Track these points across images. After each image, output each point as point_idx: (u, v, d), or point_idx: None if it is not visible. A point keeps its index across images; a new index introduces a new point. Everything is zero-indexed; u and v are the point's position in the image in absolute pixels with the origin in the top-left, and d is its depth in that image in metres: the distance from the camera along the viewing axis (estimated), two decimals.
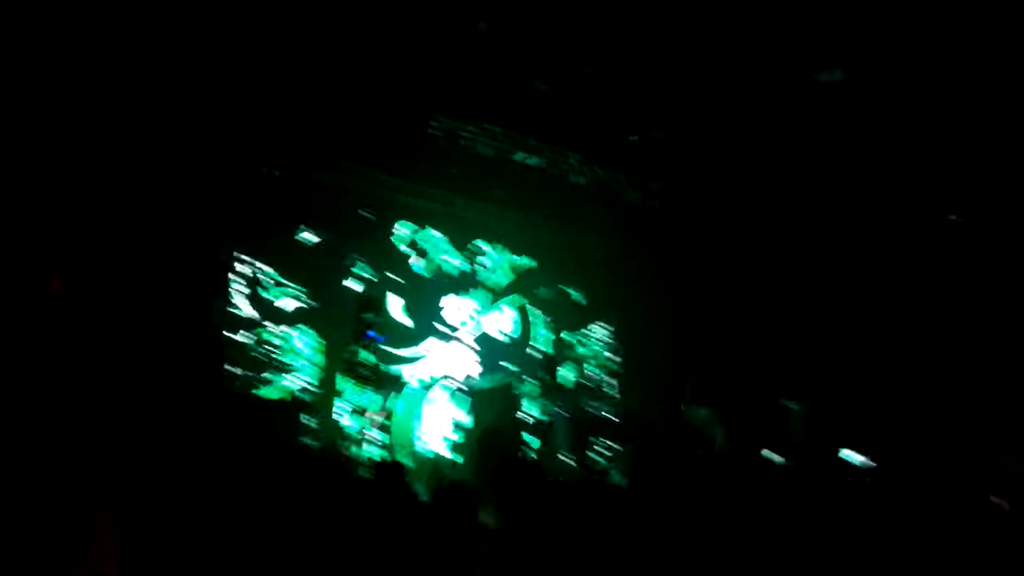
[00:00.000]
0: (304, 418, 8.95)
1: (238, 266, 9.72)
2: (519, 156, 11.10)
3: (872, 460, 7.90)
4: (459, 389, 11.22)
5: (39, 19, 7.24)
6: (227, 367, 9.22)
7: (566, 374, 10.74)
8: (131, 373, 7.20)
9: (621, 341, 13.36)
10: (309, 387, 10.00)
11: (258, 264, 9.90)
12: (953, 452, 7.39)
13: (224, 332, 9.41)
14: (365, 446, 8.88)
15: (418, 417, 11.07)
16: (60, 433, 5.76)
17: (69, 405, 6.41)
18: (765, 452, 8.35)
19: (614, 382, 13.02)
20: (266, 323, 9.85)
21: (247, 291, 9.76)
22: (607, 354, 13.35)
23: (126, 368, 7.25)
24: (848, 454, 8.41)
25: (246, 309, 9.71)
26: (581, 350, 13.16)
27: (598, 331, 13.38)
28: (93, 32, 7.50)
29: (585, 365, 12.77)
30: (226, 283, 9.55)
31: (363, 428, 8.89)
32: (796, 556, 4.15)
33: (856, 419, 9.47)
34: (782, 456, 8.17)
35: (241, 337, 9.61)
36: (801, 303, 11.43)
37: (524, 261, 12.92)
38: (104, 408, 6.42)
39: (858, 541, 4.36)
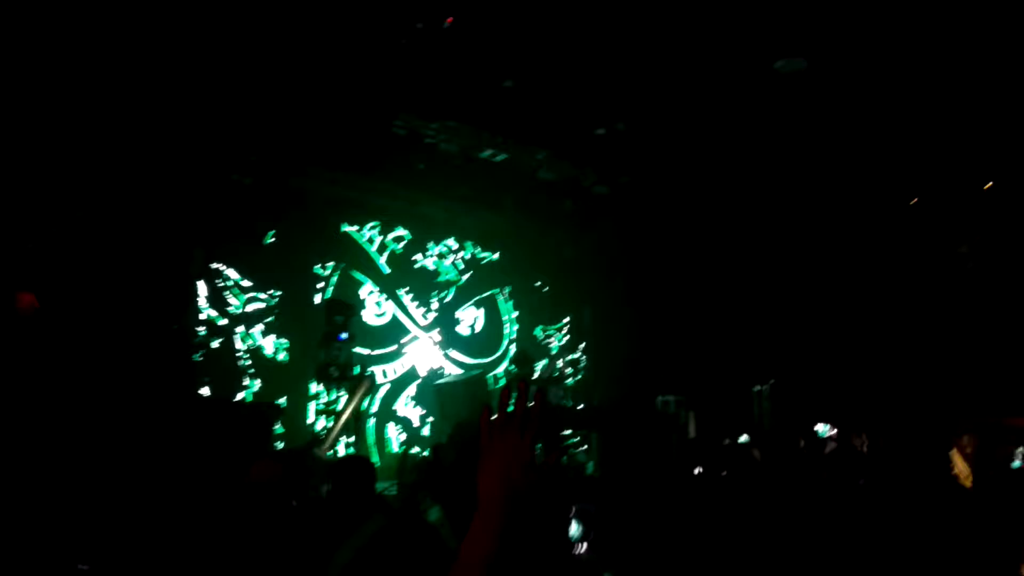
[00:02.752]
0: (276, 421, 8.89)
1: (208, 273, 9.64)
2: (485, 153, 11.04)
3: (835, 435, 8.04)
4: (429, 385, 11.23)
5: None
6: (199, 373, 9.14)
7: (535, 367, 10.72)
8: (104, 381, 7.11)
9: (589, 333, 13.44)
10: (280, 390, 9.94)
11: (228, 270, 9.82)
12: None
13: (195, 338, 9.32)
14: (335, 446, 8.83)
15: (388, 415, 11.07)
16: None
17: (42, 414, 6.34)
18: (741, 438, 8.49)
19: (582, 373, 13.10)
20: (237, 328, 9.78)
21: (218, 297, 9.67)
22: (575, 346, 13.43)
23: (99, 376, 7.15)
24: (818, 428, 8.58)
25: (217, 315, 9.63)
26: (549, 343, 13.23)
27: (566, 323, 13.45)
28: (63, 39, 7.34)
29: (554, 357, 12.85)
30: (197, 290, 9.47)
31: (333, 428, 8.85)
32: (767, 534, 4.20)
33: (820, 398, 9.65)
34: (749, 436, 8.30)
35: (212, 343, 9.53)
36: (770, 292, 11.55)
37: (492, 257, 12.94)
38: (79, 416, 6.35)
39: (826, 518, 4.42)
